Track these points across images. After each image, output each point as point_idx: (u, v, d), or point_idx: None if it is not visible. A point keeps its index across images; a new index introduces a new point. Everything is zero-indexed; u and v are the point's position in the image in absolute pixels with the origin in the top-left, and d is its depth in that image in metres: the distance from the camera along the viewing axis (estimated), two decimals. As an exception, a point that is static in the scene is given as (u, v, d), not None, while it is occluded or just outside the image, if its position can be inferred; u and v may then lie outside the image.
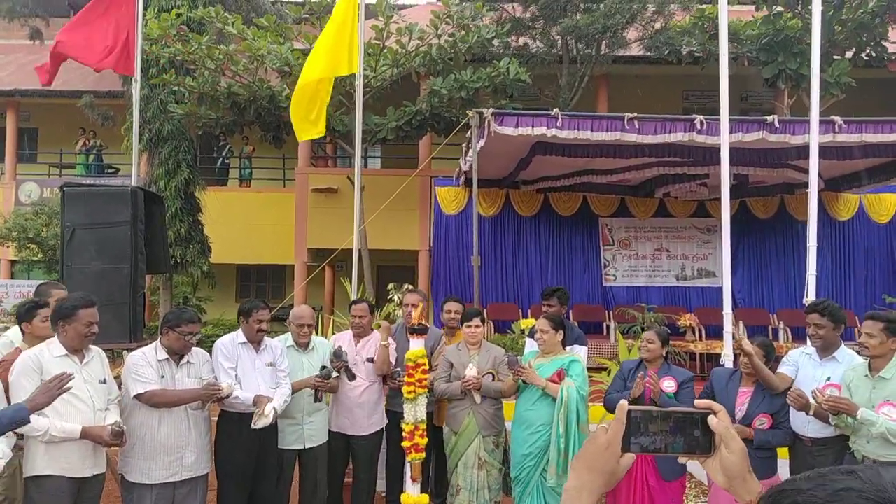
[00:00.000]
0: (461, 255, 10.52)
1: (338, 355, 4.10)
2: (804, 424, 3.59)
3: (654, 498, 3.91)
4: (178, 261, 10.86)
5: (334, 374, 4.02)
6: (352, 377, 4.16)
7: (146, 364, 3.38)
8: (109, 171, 16.24)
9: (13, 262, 14.62)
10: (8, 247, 12.91)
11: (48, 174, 16.42)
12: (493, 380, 4.12)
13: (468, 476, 4.04)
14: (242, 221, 14.20)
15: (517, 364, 3.91)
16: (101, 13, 5.67)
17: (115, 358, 5.73)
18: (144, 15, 10.11)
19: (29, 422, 2.76)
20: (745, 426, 3.66)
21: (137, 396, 3.30)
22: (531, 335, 4.83)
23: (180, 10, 10.37)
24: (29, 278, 14.16)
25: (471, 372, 4.01)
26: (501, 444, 4.12)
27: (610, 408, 4.12)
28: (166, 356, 3.46)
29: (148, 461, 3.32)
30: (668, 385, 3.93)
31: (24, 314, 3.55)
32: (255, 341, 3.86)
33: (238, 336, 3.89)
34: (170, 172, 11.05)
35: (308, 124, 6.73)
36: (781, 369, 3.82)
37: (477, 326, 4.24)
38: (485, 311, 10.20)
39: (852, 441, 3.41)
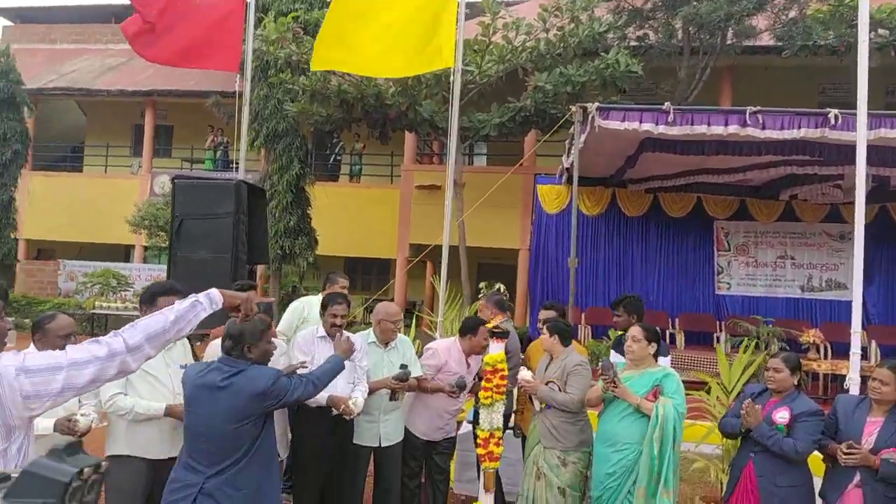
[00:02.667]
0: (560, 255, 10.20)
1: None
2: None
3: None
4: (287, 252, 11.35)
5: (413, 376, 3.96)
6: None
7: None
8: (235, 166, 17.32)
9: (146, 248, 15.96)
10: (141, 234, 14.09)
11: (181, 167, 17.78)
12: (560, 390, 3.86)
13: (526, 483, 3.89)
14: (351, 216, 14.66)
15: (610, 371, 3.60)
16: (207, 16, 5.94)
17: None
18: (262, 19, 10.66)
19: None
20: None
21: None
22: (615, 347, 4.53)
23: (297, 13, 10.79)
24: (159, 263, 15.43)
25: (522, 374, 3.94)
26: (573, 465, 3.79)
27: (724, 431, 3.75)
28: None
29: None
30: (781, 417, 3.45)
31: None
32: (332, 335, 3.87)
33: (319, 329, 3.92)
34: (283, 168, 11.57)
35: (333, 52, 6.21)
36: None
37: (544, 334, 4.15)
38: (582, 316, 9.85)
39: None
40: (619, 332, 4.85)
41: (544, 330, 4.08)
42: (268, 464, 2.89)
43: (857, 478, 3.28)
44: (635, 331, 3.76)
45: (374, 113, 10.64)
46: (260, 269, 11.87)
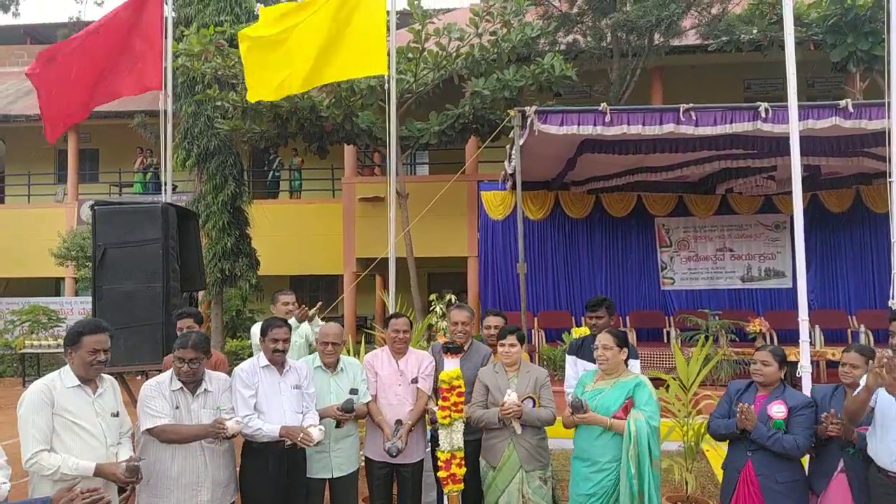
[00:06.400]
0: (509, 261, 10.15)
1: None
2: (891, 456, 3.00)
3: None
4: (227, 275, 10.91)
5: (360, 402, 3.74)
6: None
7: (159, 395, 3.19)
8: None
9: (76, 280, 15.12)
10: (69, 266, 13.30)
11: (109, 193, 16.94)
12: (535, 405, 3.67)
13: None
14: (294, 233, 14.27)
15: (582, 410, 3.42)
16: (121, 46, 5.69)
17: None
18: (184, 32, 10.25)
19: None
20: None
21: (147, 431, 3.12)
22: (571, 351, 4.38)
23: (222, 27, 10.42)
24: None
25: (510, 398, 3.55)
26: (549, 481, 3.64)
27: (716, 434, 3.62)
28: (181, 385, 3.27)
29: (160, 499, 3.11)
30: (778, 410, 3.40)
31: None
32: (275, 363, 3.63)
33: (260, 359, 3.67)
34: (217, 187, 11.13)
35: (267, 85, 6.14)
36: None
37: (512, 345, 3.76)
38: (535, 320, 9.79)
39: None
40: (582, 335, 4.74)
41: (509, 339, 3.77)
42: None
43: (842, 464, 3.29)
44: (605, 338, 3.59)
45: (310, 126, 10.36)
46: (200, 294, 11.36)
